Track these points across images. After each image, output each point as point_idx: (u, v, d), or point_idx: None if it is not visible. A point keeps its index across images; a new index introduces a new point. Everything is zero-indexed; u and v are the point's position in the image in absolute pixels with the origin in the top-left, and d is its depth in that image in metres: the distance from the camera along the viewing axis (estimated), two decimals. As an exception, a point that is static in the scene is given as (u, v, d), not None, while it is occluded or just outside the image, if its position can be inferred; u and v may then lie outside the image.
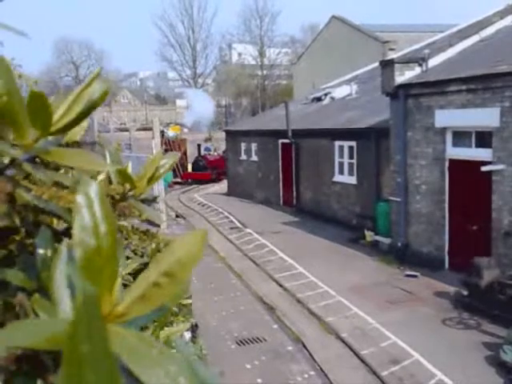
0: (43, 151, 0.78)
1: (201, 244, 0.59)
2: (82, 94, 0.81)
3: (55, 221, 0.91)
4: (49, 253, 0.75)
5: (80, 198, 0.57)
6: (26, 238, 0.83)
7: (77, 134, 0.96)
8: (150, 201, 1.12)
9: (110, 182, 1.06)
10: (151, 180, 1.09)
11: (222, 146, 37.94)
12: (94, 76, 0.83)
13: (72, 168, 0.93)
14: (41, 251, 0.76)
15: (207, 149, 37.03)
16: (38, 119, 0.75)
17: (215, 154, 36.17)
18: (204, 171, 32.64)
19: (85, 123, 0.97)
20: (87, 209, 0.57)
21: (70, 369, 0.41)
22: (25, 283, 0.72)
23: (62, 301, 0.57)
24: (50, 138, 0.80)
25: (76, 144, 0.89)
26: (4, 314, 0.71)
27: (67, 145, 0.87)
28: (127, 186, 1.06)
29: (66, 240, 0.77)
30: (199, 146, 36.09)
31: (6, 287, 0.72)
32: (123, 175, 1.05)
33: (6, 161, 0.78)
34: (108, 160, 1.07)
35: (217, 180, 32.25)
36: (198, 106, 39.71)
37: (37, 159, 0.81)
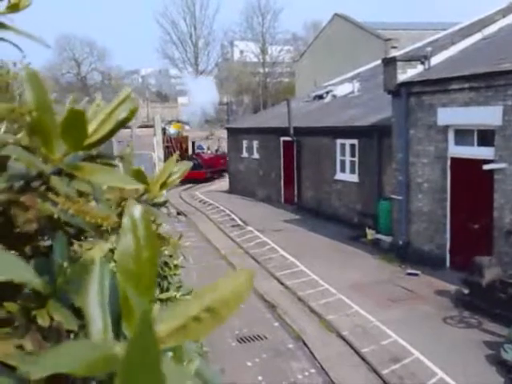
0: (72, 166, 0.78)
1: (248, 284, 0.58)
2: (113, 112, 0.82)
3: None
4: (65, 258, 0.75)
5: (126, 221, 0.57)
6: (40, 240, 0.83)
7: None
8: (160, 205, 1.12)
9: None
10: (164, 185, 1.10)
11: (215, 145, 37.84)
12: (126, 95, 0.84)
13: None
14: (57, 256, 0.76)
15: (200, 147, 36.25)
16: (71, 135, 0.75)
17: (208, 152, 35.63)
18: (199, 170, 31.37)
19: None
20: (132, 233, 0.57)
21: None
22: (41, 288, 0.72)
23: (95, 320, 0.57)
24: (80, 152, 0.81)
25: (100, 156, 0.90)
26: (25, 324, 0.70)
27: (92, 157, 0.88)
28: (141, 189, 1.06)
29: (97, 255, 0.77)
30: (193, 143, 35.43)
31: (19, 291, 0.72)
32: (139, 179, 1.05)
33: (34, 173, 0.78)
34: (121, 167, 1.08)
35: (211, 179, 31.75)
36: (201, 95, 38.46)
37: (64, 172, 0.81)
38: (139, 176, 1.06)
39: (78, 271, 0.78)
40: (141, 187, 0.98)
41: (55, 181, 0.79)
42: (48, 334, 0.72)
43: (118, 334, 0.57)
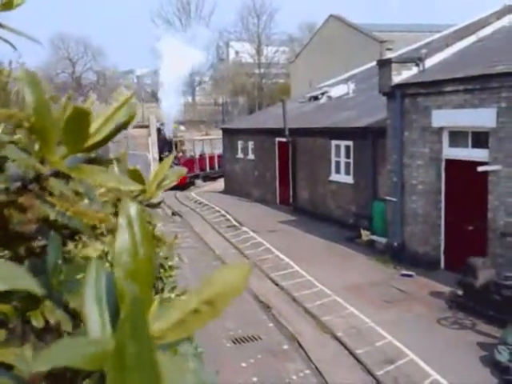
0: (71, 168, 0.78)
1: (244, 277, 0.59)
2: (113, 115, 0.83)
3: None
4: (59, 258, 0.76)
5: (121, 220, 0.58)
6: (34, 240, 0.82)
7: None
8: (155, 205, 1.12)
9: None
10: (160, 186, 1.10)
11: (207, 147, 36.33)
12: (126, 99, 0.84)
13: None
14: (52, 257, 0.76)
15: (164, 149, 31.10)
16: (73, 135, 0.75)
17: (180, 154, 32.77)
18: None
19: None
20: (128, 230, 0.58)
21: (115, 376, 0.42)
22: (35, 290, 0.71)
23: (92, 319, 0.58)
24: (79, 155, 0.81)
25: (97, 159, 0.91)
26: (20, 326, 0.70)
27: (90, 160, 0.88)
28: (137, 190, 1.06)
29: (94, 256, 0.78)
30: (170, 142, 32.01)
31: (13, 293, 0.71)
32: (134, 178, 1.04)
33: (32, 175, 0.79)
34: (116, 167, 1.07)
35: (188, 186, 29.21)
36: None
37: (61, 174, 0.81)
38: (136, 176, 1.06)
39: (72, 272, 0.78)
40: (138, 188, 0.98)
41: (53, 182, 0.79)
42: (43, 335, 0.72)
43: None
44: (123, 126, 0.84)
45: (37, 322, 0.72)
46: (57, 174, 0.79)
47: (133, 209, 0.59)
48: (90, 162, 0.87)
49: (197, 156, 33.33)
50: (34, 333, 0.71)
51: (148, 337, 0.44)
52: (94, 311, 0.58)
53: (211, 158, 34.10)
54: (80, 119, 0.74)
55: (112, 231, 0.91)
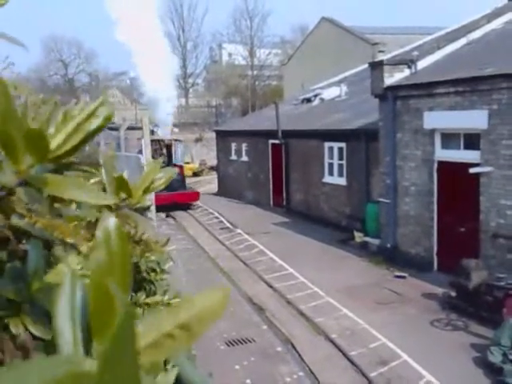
0: (38, 179, 0.76)
1: (223, 302, 0.57)
2: (84, 122, 0.81)
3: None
4: (40, 264, 0.74)
5: (99, 234, 0.57)
6: (16, 245, 0.81)
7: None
8: (143, 209, 1.11)
9: (104, 190, 1.04)
10: (147, 190, 1.08)
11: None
12: (98, 104, 0.82)
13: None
14: (32, 262, 0.74)
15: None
16: (34, 149, 0.74)
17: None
18: (184, 190, 21.99)
19: None
20: (105, 246, 0.56)
21: None
22: (14, 296, 0.70)
23: (64, 333, 0.56)
24: (47, 164, 0.79)
25: (73, 164, 0.88)
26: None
27: (64, 166, 0.85)
28: (122, 194, 1.04)
29: (67, 267, 0.76)
30: (168, 146, 25.54)
31: None
32: (120, 184, 1.03)
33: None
34: (103, 172, 1.05)
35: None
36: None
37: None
38: (121, 183, 1.04)
39: (53, 278, 0.77)
40: (111, 202, 0.94)
41: (21, 194, 0.77)
42: (20, 342, 0.71)
43: (87, 350, 0.55)
44: (98, 130, 0.81)
45: (16, 329, 0.70)
46: (25, 184, 0.77)
47: (111, 222, 0.57)
48: (68, 167, 0.85)
49: None
50: (13, 340, 0.70)
51: (137, 360, 0.41)
52: (67, 325, 0.56)
53: None
54: (36, 138, 0.73)
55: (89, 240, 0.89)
